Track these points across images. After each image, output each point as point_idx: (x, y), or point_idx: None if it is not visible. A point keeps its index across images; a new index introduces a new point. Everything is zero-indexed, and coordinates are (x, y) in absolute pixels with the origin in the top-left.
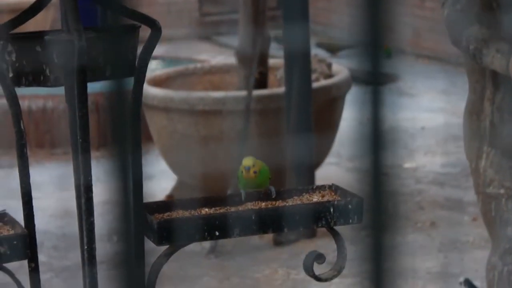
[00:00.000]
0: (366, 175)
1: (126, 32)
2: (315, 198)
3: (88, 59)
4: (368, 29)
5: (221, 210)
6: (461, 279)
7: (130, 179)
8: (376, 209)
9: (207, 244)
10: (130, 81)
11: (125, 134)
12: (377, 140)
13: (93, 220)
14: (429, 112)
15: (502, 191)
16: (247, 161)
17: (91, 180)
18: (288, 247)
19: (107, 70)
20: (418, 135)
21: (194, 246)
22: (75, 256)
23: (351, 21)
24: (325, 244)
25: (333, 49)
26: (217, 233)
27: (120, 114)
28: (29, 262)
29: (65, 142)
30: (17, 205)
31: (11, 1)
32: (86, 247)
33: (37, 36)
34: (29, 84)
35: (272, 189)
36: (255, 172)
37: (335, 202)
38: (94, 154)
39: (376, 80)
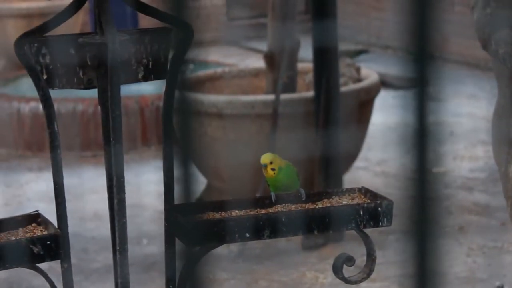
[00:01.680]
0: (394, 179)
1: (159, 35)
2: (345, 200)
3: (121, 61)
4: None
5: (251, 212)
6: (498, 284)
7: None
8: (411, 214)
9: (235, 247)
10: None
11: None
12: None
13: (126, 221)
14: (458, 116)
15: None
16: (264, 159)
17: (123, 181)
18: (316, 251)
19: (139, 73)
20: (446, 140)
21: (221, 250)
22: (105, 259)
23: (379, 25)
24: (353, 248)
25: (350, 55)
26: (247, 235)
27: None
28: (62, 263)
29: (94, 145)
30: (47, 207)
31: (42, 5)
32: (118, 248)
33: (71, 38)
34: (62, 86)
35: (302, 191)
36: (273, 170)
37: (365, 205)
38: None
39: (410, 84)
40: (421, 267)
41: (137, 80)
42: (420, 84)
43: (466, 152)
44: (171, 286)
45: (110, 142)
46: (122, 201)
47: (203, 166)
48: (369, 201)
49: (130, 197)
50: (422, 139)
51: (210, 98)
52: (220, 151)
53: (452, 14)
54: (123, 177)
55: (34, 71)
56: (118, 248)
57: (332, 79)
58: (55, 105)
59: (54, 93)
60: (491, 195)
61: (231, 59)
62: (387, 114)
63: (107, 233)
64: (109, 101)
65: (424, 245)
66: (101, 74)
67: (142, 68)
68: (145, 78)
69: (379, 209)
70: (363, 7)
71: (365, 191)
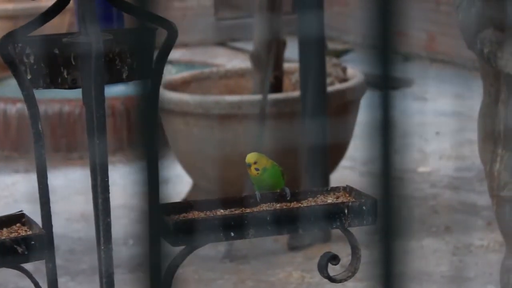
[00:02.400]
0: (379, 179)
1: (143, 34)
2: (330, 199)
3: (105, 61)
4: (379, 33)
5: (236, 211)
6: None
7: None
8: (387, 212)
9: (222, 248)
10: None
11: (152, 137)
12: (387, 144)
13: (110, 221)
14: (444, 116)
15: None
16: (249, 158)
17: (108, 180)
18: (302, 251)
19: (124, 72)
20: (432, 140)
21: (209, 250)
22: (91, 260)
23: (363, 25)
24: (339, 248)
25: (336, 54)
26: (232, 234)
27: (147, 117)
28: (46, 263)
29: (81, 146)
30: (33, 209)
31: (28, 5)
32: (103, 248)
33: (55, 38)
34: (47, 86)
35: (287, 190)
36: (256, 170)
37: (350, 204)
38: (110, 159)
39: (387, 84)
40: (406, 266)
41: (122, 80)
42: (385, 82)
43: (452, 151)
44: (155, 286)
45: (94, 142)
46: (106, 200)
47: (189, 166)
48: (354, 199)
49: (116, 198)
50: (386, 137)
51: (196, 99)
52: (206, 151)
53: (438, 14)
54: (107, 176)
55: (19, 71)
56: (102, 247)
57: (319, 79)
58: (42, 106)
59: (40, 94)
60: (477, 194)
61: (218, 59)
62: (373, 114)
63: (94, 234)
64: (93, 101)
65: (410, 245)
66: (85, 74)
67: (126, 67)
68: (130, 78)
69: (364, 207)
70: (350, 7)
71: (350, 190)
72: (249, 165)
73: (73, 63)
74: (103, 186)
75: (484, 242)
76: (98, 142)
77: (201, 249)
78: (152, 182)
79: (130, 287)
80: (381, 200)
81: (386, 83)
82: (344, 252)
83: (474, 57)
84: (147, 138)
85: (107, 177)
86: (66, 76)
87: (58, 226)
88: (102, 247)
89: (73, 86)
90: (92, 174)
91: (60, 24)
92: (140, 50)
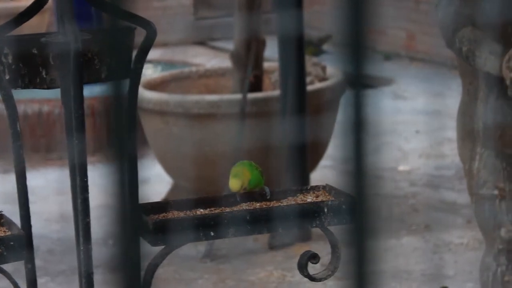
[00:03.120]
0: (352, 177)
1: (121, 34)
2: (309, 198)
3: (83, 60)
4: (351, 31)
5: (216, 211)
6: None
7: (126, 183)
8: (359, 210)
9: (202, 247)
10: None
11: (123, 138)
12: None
13: (89, 221)
14: (424, 115)
15: (495, 192)
16: (234, 186)
17: (87, 180)
18: (283, 250)
19: (102, 72)
20: (412, 138)
21: (189, 250)
22: (71, 260)
23: (337, 24)
24: (320, 247)
25: (314, 44)
26: (212, 234)
27: (119, 118)
28: (25, 263)
29: (60, 146)
30: (12, 209)
31: (8, 5)
32: (82, 248)
33: (33, 38)
34: (25, 86)
35: (267, 189)
36: (245, 189)
37: (329, 202)
38: (90, 159)
39: (359, 82)
40: (383, 264)
41: (100, 80)
42: (357, 80)
43: (432, 150)
44: (135, 286)
45: (73, 142)
46: (85, 200)
47: (169, 166)
48: (333, 198)
49: (96, 198)
50: (358, 135)
51: (176, 98)
52: (186, 151)
53: (418, 13)
54: (86, 176)
55: None
56: (82, 247)
57: (298, 78)
58: (21, 107)
59: (19, 94)
60: (457, 192)
61: (198, 59)
62: (347, 112)
63: (74, 234)
64: (71, 101)
65: (390, 243)
66: (63, 74)
67: (105, 67)
68: (108, 78)
69: (343, 206)
70: (329, 6)
71: (330, 189)
72: (238, 192)
73: (52, 63)
74: (82, 186)
75: (463, 240)
76: (76, 142)
77: (181, 248)
78: (131, 182)
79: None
80: (355, 198)
81: (357, 81)
82: (324, 251)
83: (453, 56)
84: (121, 138)
85: (86, 177)
86: (44, 76)
87: (38, 226)
88: (82, 247)
89: (51, 86)
90: (71, 174)
91: (39, 24)
92: (119, 50)
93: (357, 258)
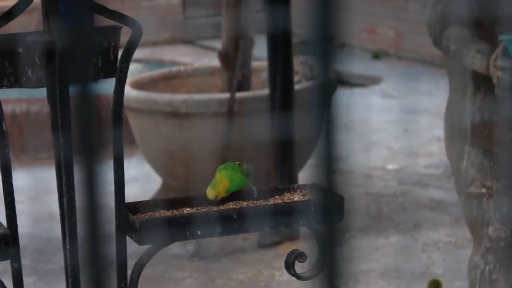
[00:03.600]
0: (350, 177)
1: (108, 33)
2: (296, 197)
3: (69, 59)
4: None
5: (203, 210)
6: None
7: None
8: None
9: (191, 246)
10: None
11: (92, 141)
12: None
13: (76, 220)
14: (413, 113)
15: (483, 190)
16: (208, 195)
17: (73, 179)
18: (272, 249)
19: (88, 71)
20: (401, 137)
21: (178, 249)
22: (59, 260)
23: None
24: (309, 246)
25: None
26: (199, 232)
27: (88, 120)
28: (11, 263)
29: (49, 146)
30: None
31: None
32: (68, 247)
33: (19, 37)
34: (11, 85)
35: (254, 188)
36: (222, 197)
37: (316, 201)
38: (76, 158)
39: (328, 79)
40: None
41: (87, 79)
42: (326, 76)
43: (421, 148)
44: (122, 285)
45: (59, 141)
46: (71, 200)
47: (158, 165)
48: (320, 197)
49: (83, 197)
50: (329, 132)
51: (164, 97)
52: (175, 150)
53: (406, 11)
54: (72, 176)
55: None
56: (68, 247)
57: (287, 77)
58: (9, 106)
59: (8, 94)
60: (445, 191)
61: (187, 58)
62: (342, 112)
63: None
64: (57, 100)
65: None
66: (50, 73)
67: (91, 66)
68: (95, 77)
69: (331, 205)
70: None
71: (317, 188)
72: (216, 198)
73: (38, 62)
74: (68, 185)
75: (452, 238)
76: (62, 141)
77: (170, 248)
78: (116, 182)
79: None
80: (351, 197)
81: (326, 77)
82: (313, 249)
83: (441, 55)
84: (89, 140)
85: (73, 176)
86: (30, 75)
87: (26, 226)
88: (68, 247)
89: (38, 85)
90: (57, 173)
91: (27, 23)
92: (105, 49)
93: (336, 257)
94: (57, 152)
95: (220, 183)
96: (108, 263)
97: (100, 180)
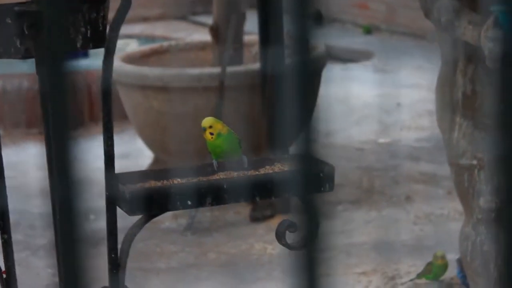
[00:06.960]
0: (342, 150)
1: (96, 3)
2: (287, 167)
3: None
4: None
5: (193, 180)
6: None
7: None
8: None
9: (183, 220)
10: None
11: (65, 116)
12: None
13: None
14: (405, 88)
15: (474, 162)
16: (204, 122)
17: None
18: (264, 222)
19: (78, 41)
20: (393, 111)
21: (170, 223)
22: (52, 235)
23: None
24: (300, 219)
25: None
26: (189, 202)
27: (61, 96)
28: (1, 234)
29: (40, 121)
30: None
31: None
32: (58, 222)
33: (7, 7)
34: (0, 56)
35: (245, 158)
36: (211, 134)
37: (307, 171)
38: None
39: (302, 49)
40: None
41: (76, 49)
42: (300, 47)
43: (412, 122)
44: (113, 255)
45: (48, 115)
46: None
47: (150, 140)
48: (311, 167)
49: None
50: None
51: (155, 72)
52: (166, 125)
53: None
54: None
55: None
56: (58, 222)
57: (278, 51)
58: (0, 82)
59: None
60: (437, 164)
61: (179, 33)
62: (334, 86)
63: None
64: (46, 71)
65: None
66: (38, 44)
67: (80, 36)
68: (84, 47)
69: (321, 174)
70: None
71: (308, 158)
72: (204, 129)
73: (26, 32)
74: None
75: (444, 211)
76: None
77: (162, 222)
78: (107, 153)
79: (92, 261)
80: (343, 170)
81: (302, 45)
82: (305, 220)
83: (433, 28)
84: (61, 116)
85: None
86: (19, 46)
87: (18, 201)
88: (58, 222)
89: (26, 56)
90: (47, 148)
91: None
92: (94, 19)
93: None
94: (46, 127)
95: (218, 122)
96: (85, 237)
97: (75, 155)
